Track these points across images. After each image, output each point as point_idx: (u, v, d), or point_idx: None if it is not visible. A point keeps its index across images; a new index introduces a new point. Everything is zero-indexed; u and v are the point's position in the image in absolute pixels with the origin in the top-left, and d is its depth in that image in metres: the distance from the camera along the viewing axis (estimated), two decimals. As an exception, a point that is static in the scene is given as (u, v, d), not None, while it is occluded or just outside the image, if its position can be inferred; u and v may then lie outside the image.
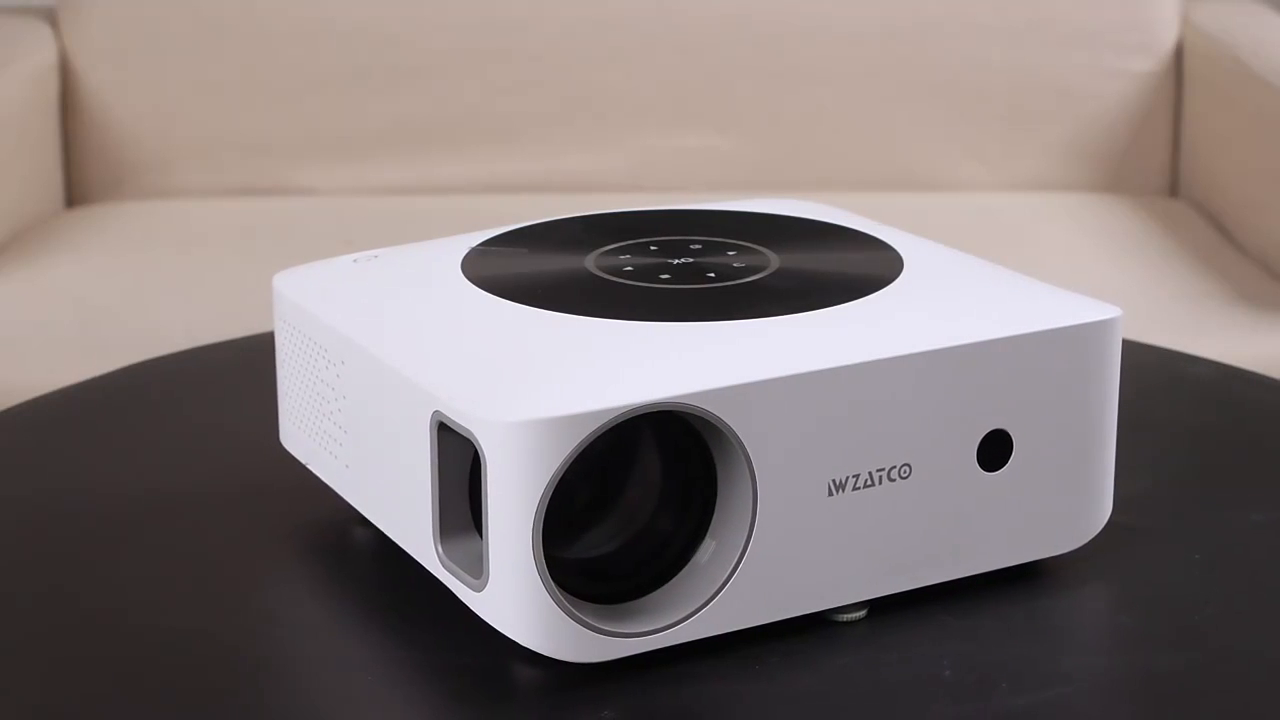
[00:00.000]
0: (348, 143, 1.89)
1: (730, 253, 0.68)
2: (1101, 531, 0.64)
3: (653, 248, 0.68)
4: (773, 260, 0.67)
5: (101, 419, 0.83)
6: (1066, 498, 0.63)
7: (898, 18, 1.89)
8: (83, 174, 1.89)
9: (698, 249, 0.68)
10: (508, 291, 0.64)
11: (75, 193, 1.90)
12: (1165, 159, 1.93)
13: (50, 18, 1.90)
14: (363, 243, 1.68)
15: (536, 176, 1.89)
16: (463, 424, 0.55)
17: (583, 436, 0.54)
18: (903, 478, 0.59)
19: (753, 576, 0.58)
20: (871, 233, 0.72)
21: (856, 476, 0.58)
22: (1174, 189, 1.94)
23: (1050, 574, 0.64)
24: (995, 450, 0.61)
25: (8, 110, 1.76)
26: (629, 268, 0.66)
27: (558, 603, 0.55)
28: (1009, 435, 0.61)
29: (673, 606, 0.57)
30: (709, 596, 0.57)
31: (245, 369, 0.89)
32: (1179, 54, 1.91)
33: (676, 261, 0.67)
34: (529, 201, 1.83)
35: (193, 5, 1.88)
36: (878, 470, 0.59)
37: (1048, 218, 1.81)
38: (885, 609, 0.61)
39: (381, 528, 0.63)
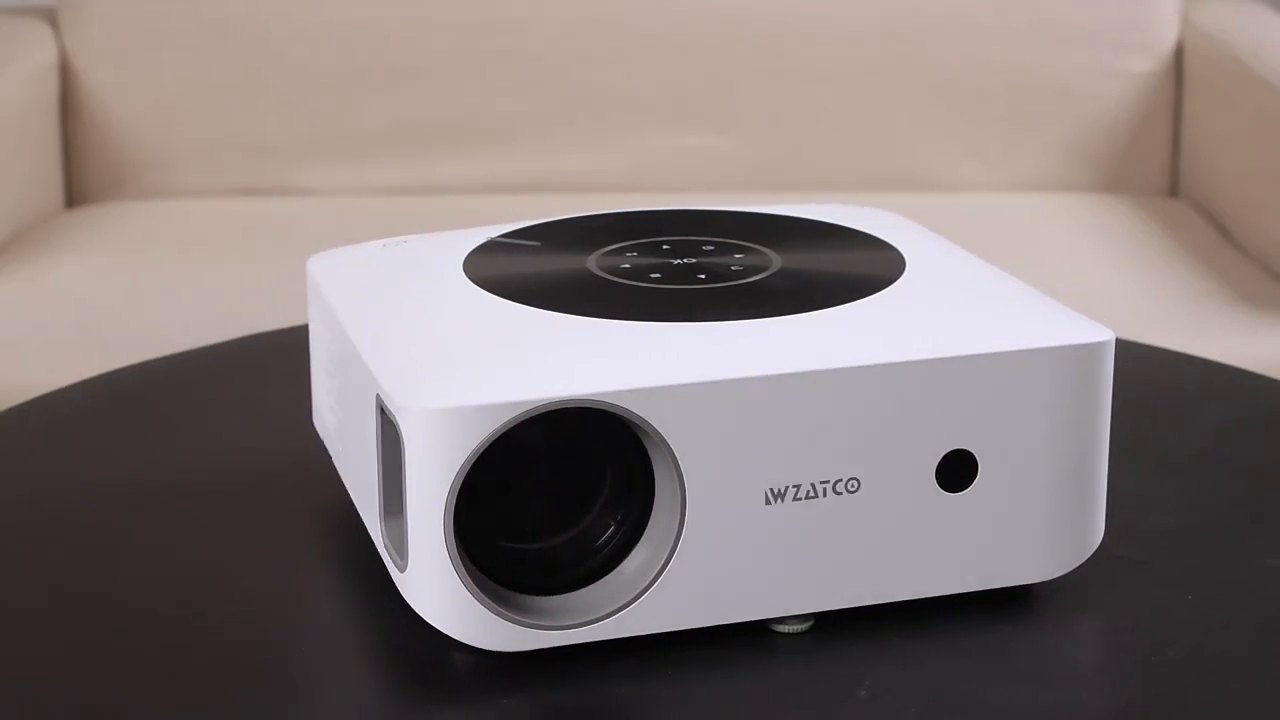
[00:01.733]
0: (348, 143, 1.89)
1: (737, 255, 0.67)
2: (1096, 561, 0.62)
3: (665, 247, 0.68)
4: (773, 263, 0.67)
5: (103, 418, 0.83)
6: (1043, 525, 0.60)
7: (898, 18, 1.89)
8: (83, 174, 1.89)
9: (709, 250, 0.68)
10: (496, 286, 0.64)
11: (75, 193, 1.90)
12: (1165, 159, 1.93)
13: (50, 18, 1.90)
14: (362, 243, 1.68)
15: (536, 176, 1.89)
16: (389, 408, 0.56)
17: (495, 427, 0.54)
18: (850, 491, 0.58)
19: (680, 580, 0.57)
20: (907, 241, 0.71)
21: (798, 487, 0.57)
22: (1174, 189, 1.94)
23: (1028, 603, 0.62)
24: (958, 470, 0.59)
25: (8, 110, 1.76)
26: (626, 265, 0.66)
27: (470, 589, 0.55)
28: (973, 456, 0.59)
29: (597, 604, 0.57)
30: (632, 597, 0.57)
31: (248, 369, 0.89)
32: (1179, 54, 1.91)
33: (677, 261, 0.67)
34: (529, 202, 1.83)
35: (193, 6, 1.88)
36: (821, 482, 0.57)
37: (1048, 218, 1.81)
38: (836, 625, 0.60)
39: (357, 509, 0.64)
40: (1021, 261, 1.62)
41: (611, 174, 1.90)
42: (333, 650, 0.61)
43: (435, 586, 0.56)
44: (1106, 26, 1.90)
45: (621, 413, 0.55)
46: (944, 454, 0.58)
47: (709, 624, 0.58)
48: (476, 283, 0.64)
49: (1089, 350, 0.59)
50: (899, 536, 0.59)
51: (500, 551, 0.58)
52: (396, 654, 0.60)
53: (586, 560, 0.58)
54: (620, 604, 0.57)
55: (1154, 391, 0.84)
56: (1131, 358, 0.89)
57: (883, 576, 0.59)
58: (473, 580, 0.56)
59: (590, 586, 0.58)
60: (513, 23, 1.89)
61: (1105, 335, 0.60)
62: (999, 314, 0.62)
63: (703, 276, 0.65)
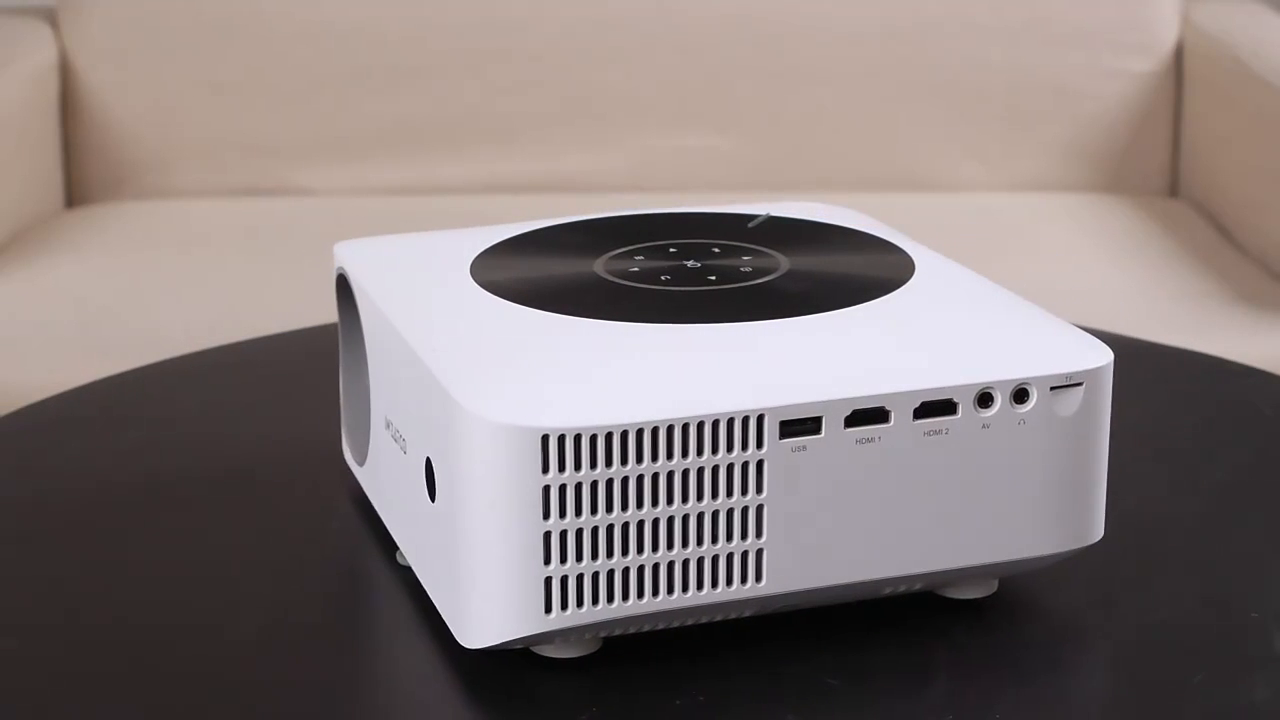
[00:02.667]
0: (348, 143, 1.89)
1: (718, 256, 0.68)
2: (1097, 553, 0.63)
3: (671, 250, 0.69)
4: (777, 266, 0.67)
5: (106, 420, 0.83)
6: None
7: (898, 18, 1.89)
8: (83, 174, 1.89)
9: (716, 252, 0.68)
10: (494, 286, 0.64)
11: (75, 193, 1.90)
12: (1165, 159, 1.93)
13: (50, 18, 1.90)
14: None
15: (536, 176, 1.89)
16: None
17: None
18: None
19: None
20: (908, 248, 0.71)
21: None
22: (1174, 189, 1.94)
23: (1017, 598, 0.64)
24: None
25: (8, 110, 1.76)
26: (635, 269, 0.66)
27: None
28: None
29: None
30: None
31: (251, 369, 0.89)
32: (1179, 54, 1.91)
33: (666, 264, 0.67)
34: (529, 202, 1.83)
35: (193, 6, 1.88)
36: None
37: (1048, 218, 1.81)
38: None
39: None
40: (1021, 261, 1.62)
41: (611, 174, 1.90)
42: (337, 651, 0.61)
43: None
44: (1106, 26, 1.90)
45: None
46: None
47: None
48: (477, 281, 0.65)
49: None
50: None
51: None
52: (408, 654, 0.60)
53: None
54: None
55: (1154, 389, 0.84)
56: (1132, 355, 0.89)
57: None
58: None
59: None
60: (513, 23, 1.89)
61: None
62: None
63: (666, 278, 0.65)
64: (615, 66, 1.89)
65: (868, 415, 0.58)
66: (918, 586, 0.61)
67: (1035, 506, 0.60)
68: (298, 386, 0.78)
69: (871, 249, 0.70)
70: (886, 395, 0.58)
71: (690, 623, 0.59)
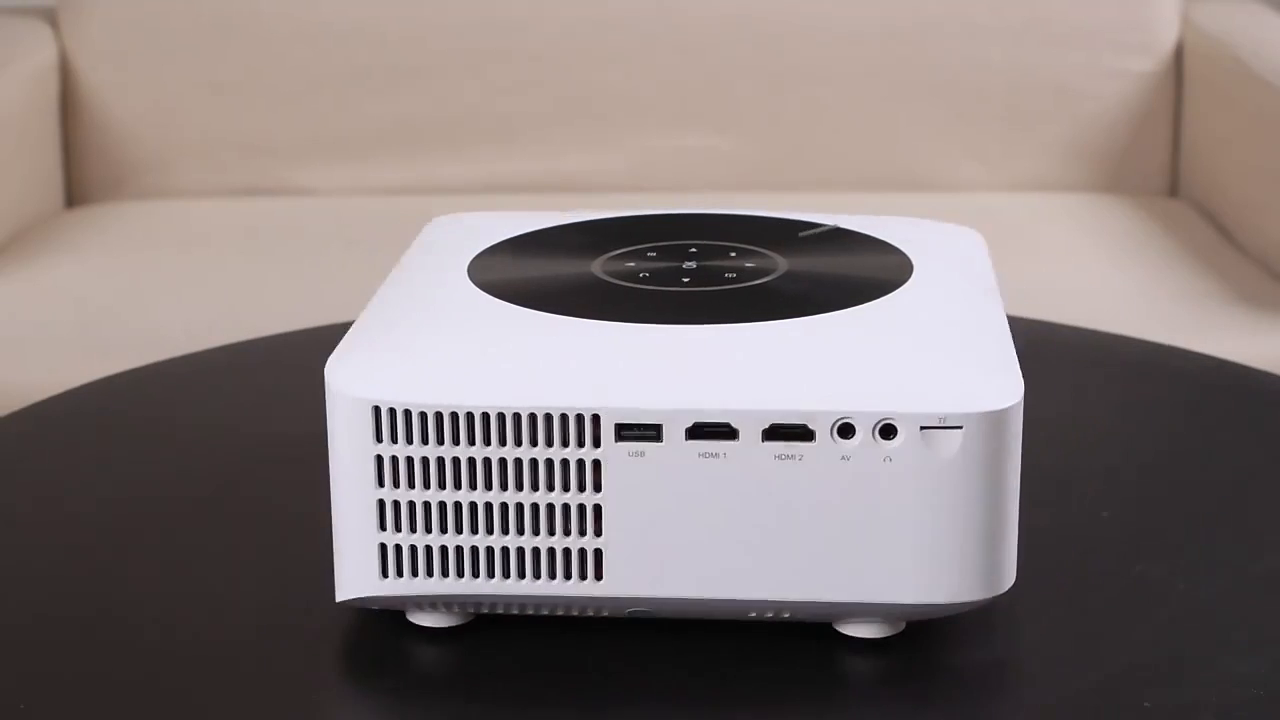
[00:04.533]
0: (348, 143, 1.89)
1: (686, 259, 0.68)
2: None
3: (650, 254, 0.68)
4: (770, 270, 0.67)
5: (105, 420, 0.83)
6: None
7: (898, 18, 1.89)
8: (83, 174, 1.89)
9: (693, 252, 0.68)
10: (488, 285, 0.65)
11: (75, 193, 1.90)
12: (1165, 159, 1.93)
13: (50, 18, 1.90)
14: (363, 242, 1.69)
15: (536, 176, 1.89)
16: None
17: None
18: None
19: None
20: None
21: None
22: (1174, 189, 1.94)
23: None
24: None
25: (8, 110, 1.76)
26: (635, 267, 0.66)
27: None
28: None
29: None
30: None
31: (251, 369, 0.89)
32: (1179, 54, 1.91)
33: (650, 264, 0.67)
34: (529, 202, 1.83)
35: (193, 6, 1.88)
36: None
37: (1048, 218, 1.81)
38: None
39: None
40: (1021, 261, 1.62)
41: (611, 174, 1.90)
42: (330, 657, 0.61)
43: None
44: (1106, 26, 1.90)
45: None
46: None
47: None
48: (473, 280, 0.65)
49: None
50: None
51: None
52: (389, 659, 0.60)
53: None
54: None
55: (1154, 389, 0.84)
56: (1132, 354, 0.89)
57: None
58: None
59: None
60: (513, 23, 1.89)
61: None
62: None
63: (646, 276, 0.66)
64: (615, 66, 1.89)
65: (715, 430, 0.56)
66: (787, 615, 0.59)
67: (915, 550, 0.57)
68: (298, 387, 0.78)
69: (876, 255, 0.69)
70: (734, 412, 0.56)
71: (546, 612, 0.59)
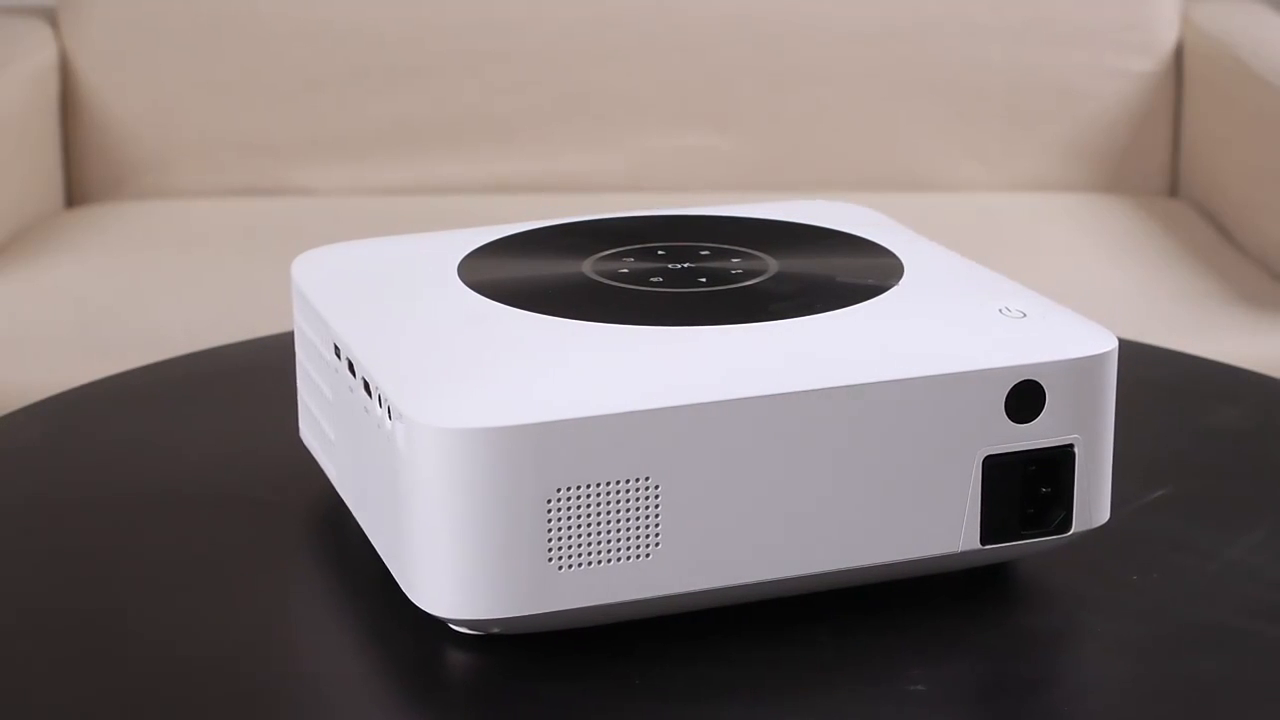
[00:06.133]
0: (348, 143, 1.89)
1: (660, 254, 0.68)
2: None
3: (630, 256, 0.68)
4: (770, 267, 0.67)
5: (104, 420, 0.83)
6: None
7: (898, 18, 1.90)
8: (83, 174, 1.90)
9: (661, 255, 0.68)
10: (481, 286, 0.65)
11: (75, 193, 1.90)
12: (1165, 159, 1.93)
13: (50, 18, 1.91)
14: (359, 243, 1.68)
15: (536, 176, 1.89)
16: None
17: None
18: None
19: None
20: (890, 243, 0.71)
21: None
22: (1174, 189, 1.94)
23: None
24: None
25: (8, 110, 1.76)
26: (625, 270, 0.66)
27: None
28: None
29: None
30: None
31: (251, 369, 0.89)
32: (1179, 54, 1.91)
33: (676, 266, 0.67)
34: (529, 201, 1.83)
35: (193, 5, 1.88)
36: None
37: (1048, 218, 1.81)
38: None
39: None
40: (1021, 261, 1.62)
41: (611, 174, 1.90)
42: (328, 656, 0.61)
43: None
44: (1106, 26, 1.90)
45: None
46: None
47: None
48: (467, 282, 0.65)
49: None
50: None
51: None
52: (393, 656, 0.60)
53: None
54: None
55: (1153, 390, 0.84)
56: (1132, 355, 0.89)
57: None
58: None
59: None
60: (512, 23, 1.89)
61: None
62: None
63: (623, 272, 0.65)
64: (615, 66, 1.89)
65: None
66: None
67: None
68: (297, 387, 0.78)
69: (866, 256, 0.69)
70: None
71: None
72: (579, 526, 0.55)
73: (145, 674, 0.60)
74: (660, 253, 0.68)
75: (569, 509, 0.55)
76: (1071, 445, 0.60)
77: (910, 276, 0.65)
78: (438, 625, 0.60)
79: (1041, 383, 0.59)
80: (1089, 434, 0.60)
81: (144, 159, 1.88)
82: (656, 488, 0.55)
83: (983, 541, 0.60)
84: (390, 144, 1.89)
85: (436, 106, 1.89)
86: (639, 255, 0.68)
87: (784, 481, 0.57)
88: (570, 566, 0.55)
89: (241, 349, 0.93)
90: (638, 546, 0.56)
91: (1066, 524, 0.61)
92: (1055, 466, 0.60)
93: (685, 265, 0.67)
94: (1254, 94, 1.74)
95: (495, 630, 0.57)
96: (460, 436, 0.54)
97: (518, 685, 0.58)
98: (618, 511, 0.55)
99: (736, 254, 0.68)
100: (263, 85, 1.88)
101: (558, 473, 0.54)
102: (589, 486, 0.55)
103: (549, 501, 0.54)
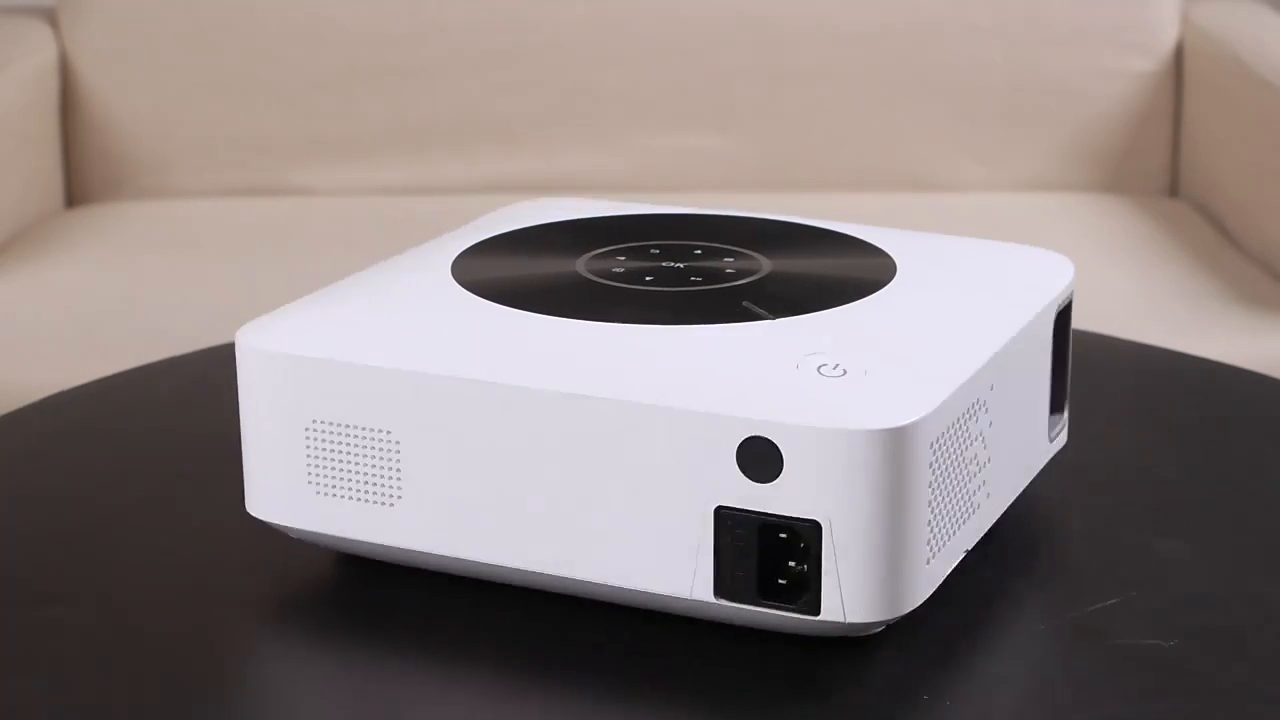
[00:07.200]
0: (348, 143, 1.89)
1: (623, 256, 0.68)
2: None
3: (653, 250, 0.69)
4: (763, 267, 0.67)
5: (104, 420, 0.83)
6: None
7: (898, 18, 1.90)
8: (83, 174, 1.90)
9: (697, 254, 0.68)
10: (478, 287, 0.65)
11: (75, 193, 1.90)
12: (1165, 159, 1.93)
13: (50, 18, 1.91)
14: (363, 243, 1.69)
15: (536, 176, 1.89)
16: None
17: None
18: None
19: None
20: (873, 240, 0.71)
21: None
22: (1174, 189, 1.94)
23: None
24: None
25: (8, 110, 1.77)
26: (619, 270, 0.66)
27: None
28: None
29: None
30: None
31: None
32: (1179, 54, 1.92)
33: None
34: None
35: (193, 5, 1.88)
36: None
37: (1048, 218, 1.81)
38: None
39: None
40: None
41: (611, 174, 1.90)
42: (328, 655, 0.61)
43: None
44: (1106, 26, 1.90)
45: None
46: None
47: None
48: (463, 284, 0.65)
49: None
50: None
51: None
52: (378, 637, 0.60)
53: None
54: None
55: (1153, 391, 0.84)
56: (1132, 355, 0.89)
57: None
58: None
59: None
60: (513, 23, 1.89)
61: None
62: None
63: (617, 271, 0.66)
64: (615, 66, 1.90)
65: None
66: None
67: None
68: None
69: (856, 255, 0.69)
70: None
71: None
72: (331, 459, 0.60)
73: (145, 673, 0.60)
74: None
75: (323, 440, 0.60)
76: (818, 522, 0.54)
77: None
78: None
79: (777, 444, 0.54)
80: (845, 515, 0.54)
81: (144, 159, 1.88)
82: (398, 443, 0.59)
83: (716, 595, 0.56)
84: (390, 144, 1.89)
85: (437, 106, 1.89)
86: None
87: (514, 473, 0.58)
88: (325, 494, 0.61)
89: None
90: (382, 494, 0.60)
91: (814, 607, 0.55)
92: (801, 541, 0.55)
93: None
94: (1254, 94, 1.74)
95: (291, 537, 0.63)
96: (249, 356, 0.61)
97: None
98: (363, 455, 0.60)
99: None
100: (263, 85, 1.88)
101: (314, 405, 0.60)
102: (338, 425, 0.60)
103: (306, 430, 0.60)
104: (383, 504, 0.60)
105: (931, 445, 0.55)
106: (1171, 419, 0.81)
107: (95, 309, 1.57)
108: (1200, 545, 0.67)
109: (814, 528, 0.54)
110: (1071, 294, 0.67)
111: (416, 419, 0.58)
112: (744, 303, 0.62)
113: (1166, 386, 0.86)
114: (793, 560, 0.55)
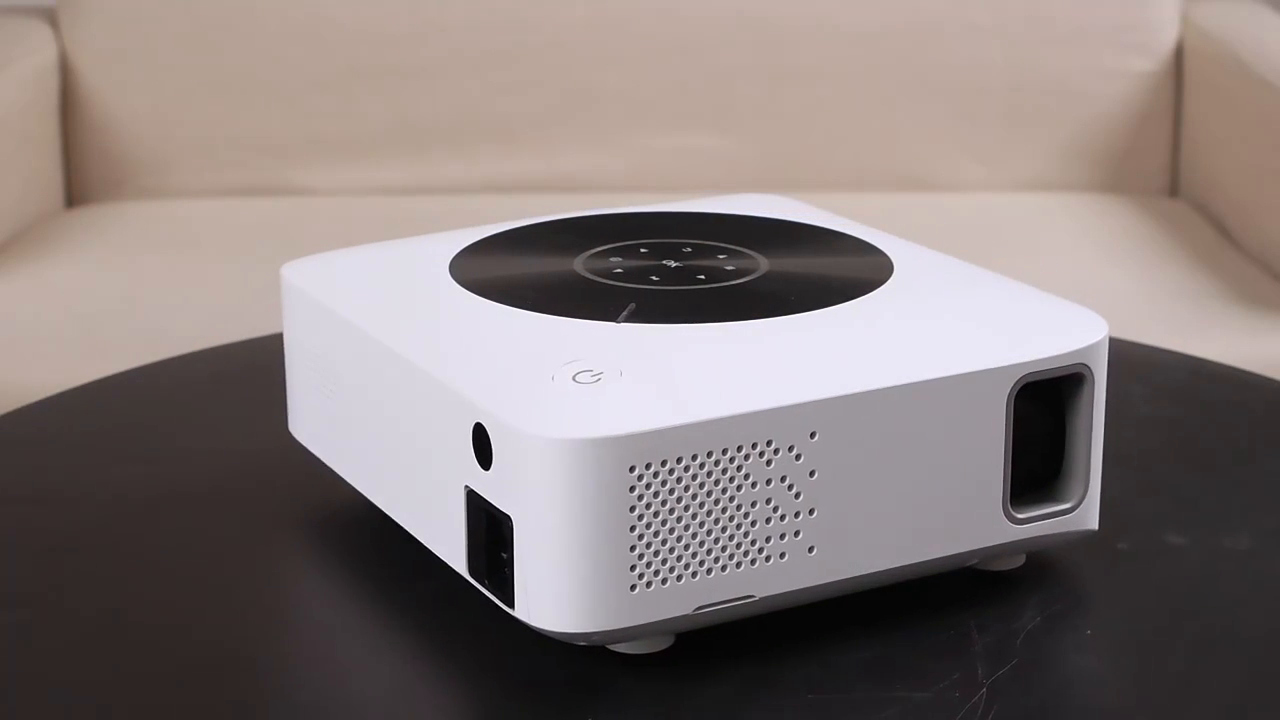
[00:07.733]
0: (348, 143, 1.89)
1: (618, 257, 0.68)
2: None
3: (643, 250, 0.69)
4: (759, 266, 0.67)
5: (104, 420, 0.83)
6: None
7: (898, 18, 1.90)
8: (83, 174, 1.90)
9: (687, 252, 0.69)
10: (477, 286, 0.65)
11: (75, 193, 1.90)
12: (1165, 159, 1.93)
13: (50, 18, 1.91)
14: (363, 242, 1.69)
15: (536, 176, 1.89)
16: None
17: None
18: None
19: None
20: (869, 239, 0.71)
21: None
22: (1174, 189, 1.94)
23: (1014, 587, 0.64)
24: None
25: (8, 110, 1.76)
26: (620, 270, 0.67)
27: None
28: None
29: None
30: None
31: (251, 369, 0.89)
32: (1179, 54, 1.91)
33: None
34: (529, 201, 1.83)
35: (193, 5, 1.88)
36: None
37: (1048, 218, 1.81)
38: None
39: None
40: (1022, 261, 1.62)
41: (611, 174, 1.90)
42: (329, 654, 0.61)
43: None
44: (1106, 26, 1.90)
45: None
46: None
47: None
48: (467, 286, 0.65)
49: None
50: None
51: None
52: (401, 654, 0.60)
53: None
54: None
55: (1153, 390, 0.84)
56: (1132, 357, 0.89)
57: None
58: None
59: None
60: (513, 23, 1.89)
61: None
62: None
63: (619, 271, 0.66)
64: (615, 66, 1.89)
65: None
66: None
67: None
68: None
69: (852, 253, 0.70)
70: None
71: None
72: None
73: (145, 671, 0.60)
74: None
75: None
76: (510, 518, 0.55)
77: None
78: (442, 614, 0.60)
79: (489, 434, 0.55)
80: (534, 515, 0.54)
81: (144, 159, 1.88)
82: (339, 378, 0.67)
83: (470, 574, 0.58)
84: (390, 144, 1.89)
85: (437, 106, 1.89)
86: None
87: (381, 423, 0.62)
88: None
89: (241, 349, 0.93)
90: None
91: (510, 602, 0.56)
92: (504, 533, 0.56)
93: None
94: (1254, 94, 1.74)
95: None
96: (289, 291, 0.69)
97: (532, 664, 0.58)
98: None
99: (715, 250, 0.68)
100: (263, 85, 1.88)
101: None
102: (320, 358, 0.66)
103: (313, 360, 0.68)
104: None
105: (649, 465, 0.53)
106: (1171, 419, 0.81)
107: (95, 309, 1.56)
108: (1200, 544, 0.67)
109: (509, 522, 0.55)
110: (1084, 365, 0.61)
111: (350, 371, 0.65)
112: (631, 304, 0.62)
113: (1166, 386, 0.86)
114: (505, 552, 0.56)
